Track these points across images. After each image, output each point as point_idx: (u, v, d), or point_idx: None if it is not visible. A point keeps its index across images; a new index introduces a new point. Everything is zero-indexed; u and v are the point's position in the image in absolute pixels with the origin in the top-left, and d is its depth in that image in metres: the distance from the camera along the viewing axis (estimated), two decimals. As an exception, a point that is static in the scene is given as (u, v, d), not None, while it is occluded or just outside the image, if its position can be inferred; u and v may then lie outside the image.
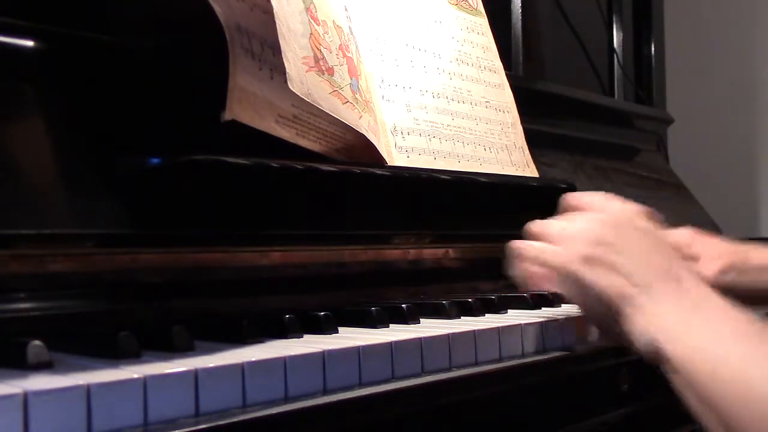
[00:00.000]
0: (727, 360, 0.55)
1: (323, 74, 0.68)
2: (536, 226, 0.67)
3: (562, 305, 0.77)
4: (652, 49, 1.56)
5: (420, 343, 0.57)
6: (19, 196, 0.56)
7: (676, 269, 0.62)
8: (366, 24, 0.82)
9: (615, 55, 1.47)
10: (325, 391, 0.51)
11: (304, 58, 0.66)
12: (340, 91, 0.70)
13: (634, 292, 0.61)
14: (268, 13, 0.63)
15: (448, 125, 0.86)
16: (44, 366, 0.44)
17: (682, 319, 0.58)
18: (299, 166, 0.68)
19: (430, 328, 0.63)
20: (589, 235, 0.63)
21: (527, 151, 0.96)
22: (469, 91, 0.91)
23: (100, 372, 0.42)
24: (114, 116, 0.65)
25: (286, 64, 0.62)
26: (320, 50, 0.68)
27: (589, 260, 0.62)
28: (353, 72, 0.74)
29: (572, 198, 0.72)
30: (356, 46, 0.77)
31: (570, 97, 1.27)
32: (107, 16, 0.68)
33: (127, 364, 0.45)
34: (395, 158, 0.79)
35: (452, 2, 0.94)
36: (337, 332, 0.60)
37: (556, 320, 0.68)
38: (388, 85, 0.82)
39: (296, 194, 0.71)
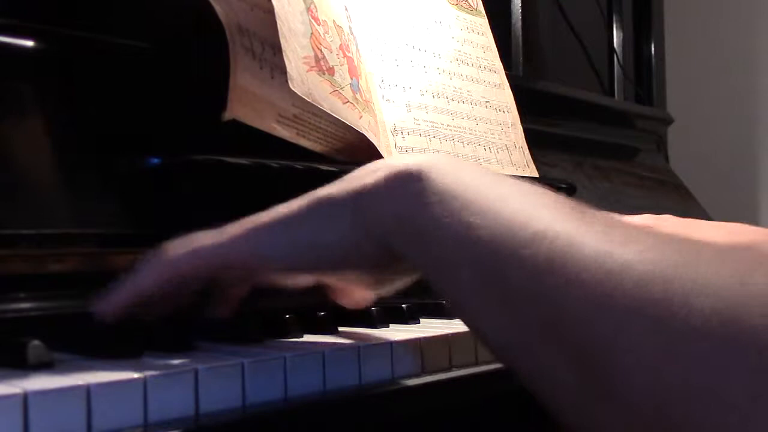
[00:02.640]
0: (501, 191, 0.44)
1: (324, 74, 0.68)
2: None
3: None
4: (652, 49, 1.56)
5: (420, 343, 0.57)
6: (19, 196, 0.56)
7: None
8: (366, 24, 0.82)
9: (615, 55, 1.47)
10: (325, 391, 0.51)
11: (304, 57, 0.66)
12: (340, 91, 0.70)
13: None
14: (269, 12, 0.63)
15: (448, 125, 0.86)
16: (44, 366, 0.44)
17: (442, 158, 0.48)
18: (299, 166, 0.68)
19: (430, 327, 0.63)
20: None
21: (527, 151, 0.96)
22: (469, 91, 0.91)
23: (100, 372, 0.42)
24: (114, 116, 0.65)
25: (286, 64, 0.62)
26: (321, 50, 0.68)
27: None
28: (353, 72, 0.74)
29: None
30: (356, 46, 0.77)
31: (570, 97, 1.27)
32: (107, 16, 0.68)
33: (127, 364, 0.45)
34: (395, 158, 0.79)
35: (452, 2, 0.94)
36: (337, 332, 0.60)
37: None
38: (388, 85, 0.82)
39: (296, 194, 0.71)
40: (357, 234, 0.47)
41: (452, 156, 0.48)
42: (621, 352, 0.36)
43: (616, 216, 0.44)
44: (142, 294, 0.49)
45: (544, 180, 0.99)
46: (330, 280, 0.56)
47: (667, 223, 0.79)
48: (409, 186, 0.45)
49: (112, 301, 0.49)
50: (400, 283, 0.56)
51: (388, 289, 0.58)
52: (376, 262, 0.49)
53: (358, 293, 0.60)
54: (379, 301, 0.64)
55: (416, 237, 0.45)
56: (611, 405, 0.37)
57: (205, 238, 0.50)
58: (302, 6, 0.67)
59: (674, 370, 0.34)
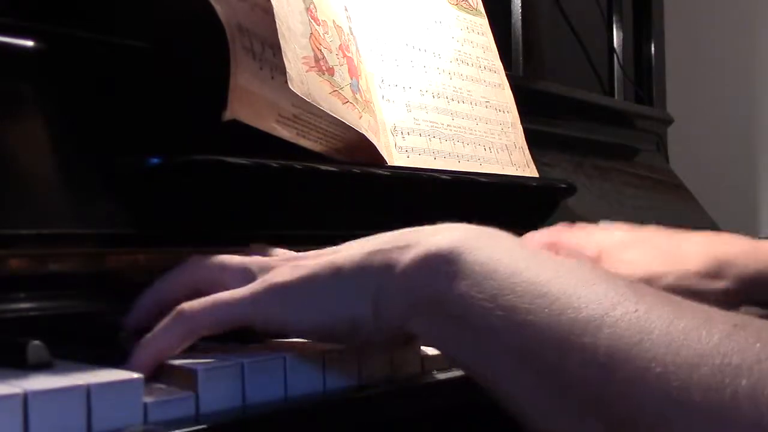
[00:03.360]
0: (543, 270, 0.42)
1: (323, 74, 0.68)
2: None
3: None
4: (652, 49, 1.56)
5: (420, 343, 0.57)
6: (19, 196, 0.56)
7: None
8: (366, 24, 0.82)
9: (615, 55, 1.47)
10: (325, 391, 0.51)
11: (304, 58, 0.66)
12: (340, 91, 0.70)
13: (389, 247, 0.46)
14: (269, 12, 0.63)
15: (448, 125, 0.86)
16: (44, 366, 0.44)
17: (476, 235, 0.45)
18: (299, 166, 0.68)
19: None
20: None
21: (527, 151, 0.96)
22: (469, 91, 0.91)
23: (100, 372, 0.42)
24: (114, 116, 0.65)
25: (286, 64, 0.62)
26: (320, 50, 0.68)
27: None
28: (353, 72, 0.74)
29: None
30: (356, 46, 0.77)
31: (570, 97, 1.27)
32: (107, 15, 0.68)
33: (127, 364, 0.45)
34: (395, 158, 0.79)
35: (452, 2, 0.94)
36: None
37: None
38: (388, 85, 0.82)
39: (296, 194, 0.71)
40: (381, 315, 0.46)
41: (486, 230, 0.45)
42: None
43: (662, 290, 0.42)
44: (167, 354, 0.48)
45: (544, 180, 0.99)
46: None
47: (654, 238, 0.76)
48: (444, 270, 0.43)
49: (137, 361, 0.47)
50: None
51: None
52: (394, 338, 0.49)
53: None
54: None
55: (452, 324, 0.43)
56: None
57: (224, 297, 0.49)
58: (302, 6, 0.67)
59: None
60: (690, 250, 0.74)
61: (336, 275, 0.47)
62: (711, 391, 0.34)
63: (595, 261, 0.74)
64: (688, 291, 0.70)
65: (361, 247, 0.48)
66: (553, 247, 0.76)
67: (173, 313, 0.48)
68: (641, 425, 0.36)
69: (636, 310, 0.38)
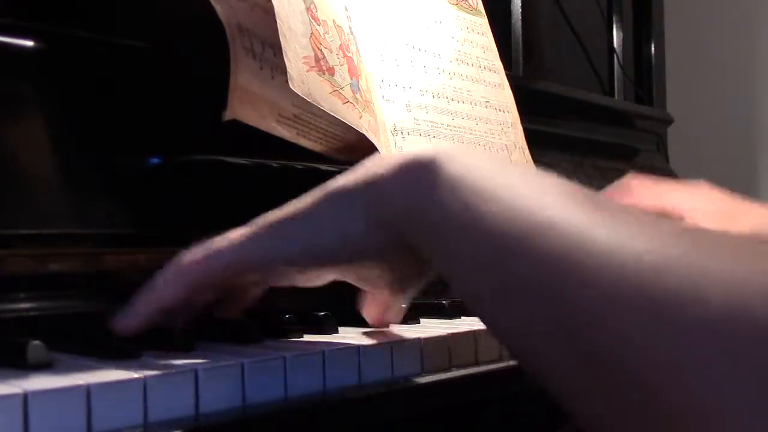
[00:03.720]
0: (512, 179, 0.43)
1: (324, 74, 0.68)
2: None
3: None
4: (652, 49, 1.56)
5: (420, 343, 0.57)
6: (19, 196, 0.56)
7: None
8: (366, 24, 0.82)
9: (615, 55, 1.47)
10: (325, 391, 0.51)
11: (304, 57, 0.66)
12: (340, 91, 0.70)
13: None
14: (269, 12, 0.63)
15: (448, 125, 0.86)
16: (44, 366, 0.44)
17: (452, 147, 0.48)
18: (299, 166, 0.68)
19: (430, 327, 0.63)
20: None
21: (527, 151, 0.96)
22: (469, 91, 0.91)
23: (100, 372, 0.42)
24: (114, 116, 0.65)
25: (286, 64, 0.62)
26: (321, 50, 0.68)
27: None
28: (353, 72, 0.74)
29: None
30: (356, 46, 0.77)
31: (570, 97, 1.27)
32: (107, 15, 0.68)
33: (127, 364, 0.45)
34: (395, 158, 0.79)
35: (452, 2, 0.94)
36: (338, 332, 0.60)
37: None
38: (388, 85, 0.82)
39: (296, 194, 0.71)
40: (371, 224, 0.47)
41: (461, 146, 0.47)
42: (633, 349, 0.35)
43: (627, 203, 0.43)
44: (163, 305, 0.48)
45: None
46: (352, 279, 0.55)
47: (644, 190, 0.77)
48: (420, 175, 0.44)
49: (133, 315, 0.48)
50: (421, 282, 0.56)
51: (411, 293, 0.57)
52: (391, 253, 0.49)
53: (387, 311, 0.60)
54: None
55: (426, 227, 0.44)
56: (624, 402, 0.36)
57: (220, 241, 0.50)
58: (302, 6, 0.67)
59: (685, 364, 0.34)
60: (746, 213, 0.77)
61: (327, 199, 0.48)
62: (642, 288, 0.35)
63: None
64: None
65: (351, 170, 0.49)
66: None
67: (171, 266, 0.48)
68: (578, 322, 0.37)
69: (586, 212, 0.39)
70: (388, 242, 0.47)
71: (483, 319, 0.44)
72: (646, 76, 1.56)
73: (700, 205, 0.79)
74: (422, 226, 0.45)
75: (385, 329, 0.62)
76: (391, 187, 0.46)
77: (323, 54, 0.69)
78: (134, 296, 0.49)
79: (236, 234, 0.50)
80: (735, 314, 0.33)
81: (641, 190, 0.79)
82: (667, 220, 0.40)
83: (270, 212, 0.50)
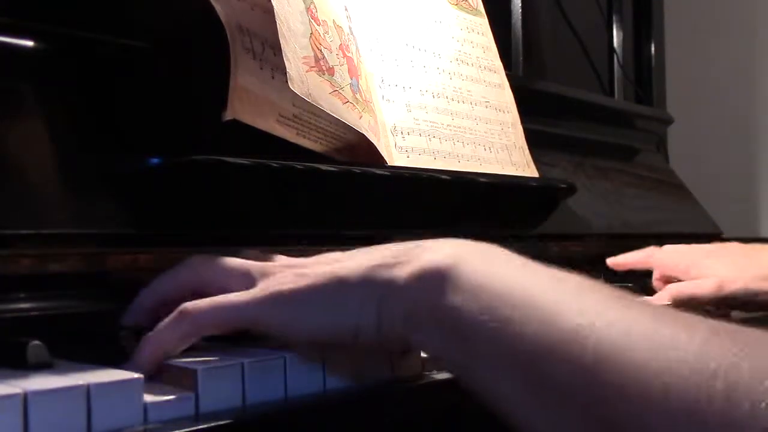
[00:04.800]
0: (535, 282, 0.44)
1: (324, 74, 0.68)
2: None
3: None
4: (652, 49, 1.56)
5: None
6: (19, 196, 0.56)
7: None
8: (366, 24, 0.82)
9: (615, 55, 1.47)
10: (325, 391, 0.51)
11: (304, 57, 0.66)
12: (340, 91, 0.70)
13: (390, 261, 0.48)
14: (269, 12, 0.63)
15: (448, 125, 0.86)
16: (44, 366, 0.44)
17: (470, 250, 0.47)
18: (299, 166, 0.68)
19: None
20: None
21: (527, 151, 0.96)
22: (469, 91, 0.91)
23: (100, 372, 0.42)
24: (114, 116, 0.65)
25: (286, 64, 0.62)
26: (320, 50, 0.68)
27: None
28: (353, 72, 0.74)
29: None
30: (356, 46, 0.77)
31: (570, 97, 1.27)
32: (107, 15, 0.68)
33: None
34: (395, 158, 0.79)
35: (452, 2, 0.94)
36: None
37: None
38: (388, 85, 0.82)
39: (296, 194, 0.71)
40: (377, 323, 0.48)
41: (480, 245, 0.47)
42: None
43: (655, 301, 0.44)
44: (170, 352, 0.49)
45: (544, 180, 0.99)
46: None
47: (733, 249, 0.86)
48: (440, 284, 0.45)
49: (138, 366, 0.48)
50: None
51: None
52: (394, 347, 0.51)
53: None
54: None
55: (449, 335, 0.44)
56: None
57: (229, 298, 0.50)
58: (302, 6, 0.67)
59: None
60: (764, 259, 0.85)
61: (339, 286, 0.48)
62: (689, 394, 0.35)
63: (685, 272, 0.89)
64: (755, 294, 0.84)
65: (364, 260, 0.49)
66: (646, 266, 0.94)
67: (177, 312, 0.49)
68: (626, 430, 0.37)
69: (622, 319, 0.39)
70: (397, 339, 0.48)
71: (510, 417, 0.43)
72: (646, 76, 1.56)
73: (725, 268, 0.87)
74: (443, 334, 0.45)
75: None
76: (408, 290, 0.46)
77: (323, 54, 0.69)
78: (141, 343, 0.49)
79: (246, 297, 0.50)
80: None
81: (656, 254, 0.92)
82: (702, 319, 0.40)
83: (279, 278, 0.50)
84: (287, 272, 0.50)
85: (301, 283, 0.49)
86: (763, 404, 0.34)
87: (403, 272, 0.47)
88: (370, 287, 0.48)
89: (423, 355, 0.57)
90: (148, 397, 0.42)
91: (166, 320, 0.49)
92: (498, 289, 0.43)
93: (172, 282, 0.53)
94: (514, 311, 0.42)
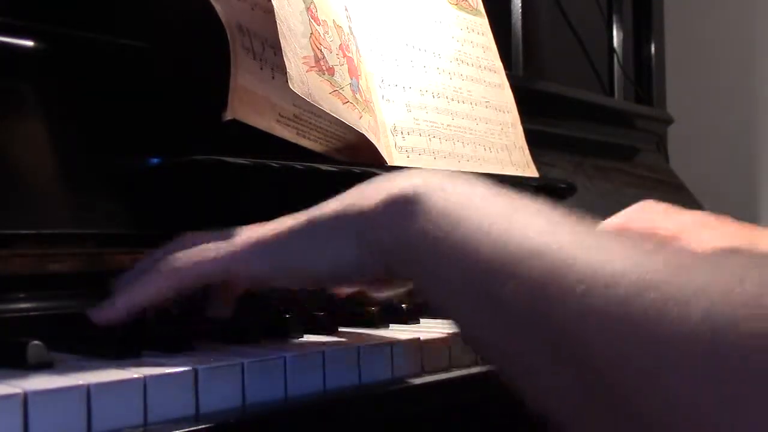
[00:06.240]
0: (493, 207, 0.44)
1: (324, 74, 0.68)
2: None
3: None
4: (652, 49, 1.56)
5: (419, 343, 0.57)
6: (19, 196, 0.56)
7: None
8: (366, 24, 0.82)
9: (615, 55, 1.47)
10: (325, 391, 0.51)
11: (304, 57, 0.66)
12: (340, 91, 0.70)
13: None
14: (269, 12, 0.63)
15: (448, 125, 0.86)
16: (44, 366, 0.44)
17: (438, 178, 0.48)
18: (299, 166, 0.68)
19: (430, 327, 0.63)
20: None
21: (527, 151, 0.96)
22: (469, 91, 0.91)
23: (100, 372, 0.42)
24: (114, 116, 0.65)
25: (286, 64, 0.62)
26: (320, 50, 0.68)
27: None
28: (353, 72, 0.74)
29: None
30: (356, 46, 0.77)
31: (570, 97, 1.27)
32: (107, 15, 0.68)
33: (127, 364, 0.45)
34: (395, 158, 0.79)
35: (452, 2, 0.94)
36: (337, 332, 0.60)
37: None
38: (388, 85, 0.82)
39: (297, 194, 0.70)
40: (356, 256, 0.49)
41: (448, 173, 0.48)
42: (620, 364, 0.36)
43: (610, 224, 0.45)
44: (144, 303, 0.50)
45: (544, 180, 0.99)
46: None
47: (729, 225, 0.80)
48: (405, 208, 0.46)
49: (114, 310, 0.49)
50: (403, 287, 0.57)
51: (390, 293, 0.59)
52: (376, 279, 0.51)
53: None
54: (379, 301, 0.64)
55: (414, 258, 0.46)
56: (616, 416, 0.37)
57: (207, 250, 0.51)
58: (302, 6, 0.67)
59: (669, 378, 0.34)
60: (763, 239, 0.79)
61: (316, 227, 0.50)
62: (625, 305, 0.36)
63: (672, 239, 0.78)
64: None
65: (337, 201, 0.51)
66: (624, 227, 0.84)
67: (156, 266, 0.50)
68: (569, 344, 0.38)
69: (569, 239, 0.40)
70: (378, 270, 0.49)
71: (468, 339, 0.45)
72: (646, 76, 1.56)
73: (704, 231, 0.81)
74: (409, 257, 0.46)
75: (384, 329, 0.62)
76: (379, 219, 0.48)
77: (323, 54, 0.69)
78: (116, 287, 0.50)
79: (224, 246, 0.51)
80: (716, 327, 0.34)
81: (651, 213, 0.84)
82: (646, 240, 0.41)
83: (258, 226, 0.51)
84: (266, 223, 0.52)
85: (279, 228, 0.51)
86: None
87: (372, 202, 0.48)
88: (344, 222, 0.49)
89: (422, 355, 0.57)
90: (148, 397, 0.42)
91: (142, 276, 0.50)
92: (458, 213, 0.44)
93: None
94: (471, 234, 0.43)
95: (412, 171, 0.49)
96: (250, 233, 0.51)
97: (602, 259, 0.38)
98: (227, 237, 0.52)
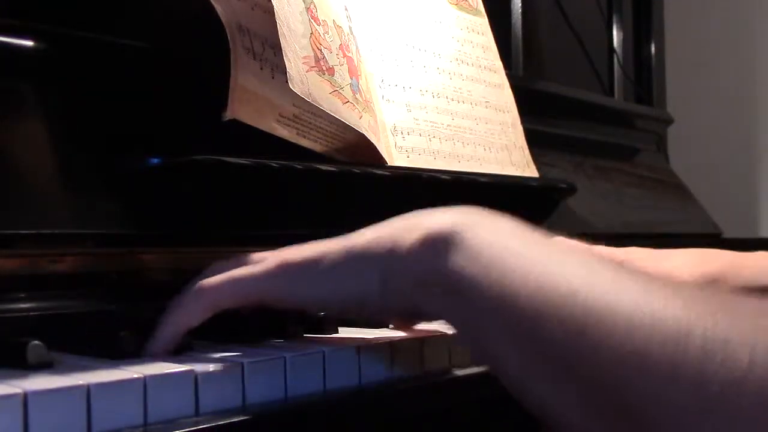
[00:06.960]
0: (533, 249, 0.45)
1: (324, 74, 0.68)
2: None
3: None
4: (652, 49, 1.56)
5: (420, 343, 0.57)
6: (19, 196, 0.56)
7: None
8: (366, 24, 0.82)
9: (615, 55, 1.47)
10: (325, 391, 0.51)
11: (304, 57, 0.66)
12: (340, 91, 0.70)
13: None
14: (269, 12, 0.63)
15: (448, 125, 0.86)
16: (44, 366, 0.44)
17: (474, 217, 0.49)
18: (299, 166, 0.68)
19: (430, 328, 0.63)
20: None
21: (527, 151, 0.96)
22: (469, 91, 0.91)
23: (100, 372, 0.42)
24: (114, 116, 0.65)
25: (287, 64, 0.62)
26: (320, 50, 0.68)
27: None
28: (353, 72, 0.74)
29: None
30: (356, 46, 0.77)
31: (570, 97, 1.27)
32: (108, 16, 0.68)
33: (127, 364, 0.45)
34: (395, 158, 0.79)
35: (452, 2, 0.94)
36: (338, 332, 0.60)
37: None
38: (388, 85, 0.82)
39: (296, 194, 0.71)
40: (389, 290, 0.49)
41: (484, 212, 0.49)
42: (660, 415, 0.36)
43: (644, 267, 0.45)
44: (187, 326, 0.52)
45: (544, 180, 0.99)
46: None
47: (636, 256, 0.79)
48: (443, 249, 0.46)
49: (163, 341, 0.51)
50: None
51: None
52: (402, 314, 0.53)
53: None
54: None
55: (450, 297, 0.46)
56: None
57: (242, 271, 0.52)
58: (302, 6, 0.67)
59: (713, 421, 0.35)
60: (676, 269, 0.78)
61: (345, 255, 0.51)
62: (667, 348, 0.36)
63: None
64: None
65: (371, 231, 0.51)
66: None
67: (193, 289, 0.52)
68: (608, 385, 0.38)
69: (611, 280, 0.41)
70: (403, 308, 0.50)
71: (506, 380, 0.45)
72: (646, 76, 1.56)
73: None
74: (446, 296, 0.46)
75: (384, 330, 0.62)
76: (415, 254, 0.48)
77: (323, 54, 0.69)
78: (160, 322, 0.51)
79: (258, 269, 0.52)
80: (764, 372, 0.34)
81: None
82: (686, 283, 0.41)
83: (292, 249, 0.52)
84: (301, 246, 0.53)
85: (308, 253, 0.52)
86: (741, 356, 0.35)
87: (407, 238, 0.48)
88: (373, 255, 0.50)
89: (424, 354, 0.57)
90: (148, 397, 0.42)
91: (183, 298, 0.52)
92: (497, 254, 0.44)
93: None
94: (511, 277, 0.43)
95: (451, 209, 0.50)
96: (285, 256, 0.52)
97: (643, 304, 0.38)
98: (261, 260, 0.53)
